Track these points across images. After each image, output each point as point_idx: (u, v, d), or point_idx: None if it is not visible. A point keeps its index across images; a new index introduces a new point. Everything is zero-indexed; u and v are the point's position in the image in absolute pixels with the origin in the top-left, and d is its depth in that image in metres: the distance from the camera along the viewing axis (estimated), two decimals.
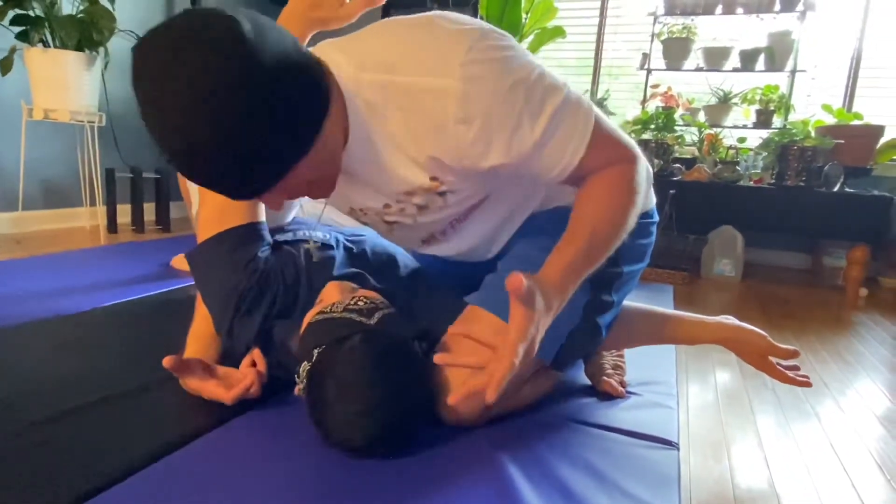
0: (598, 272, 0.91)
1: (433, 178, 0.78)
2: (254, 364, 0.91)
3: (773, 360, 1.01)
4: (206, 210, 0.95)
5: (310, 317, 0.84)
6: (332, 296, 0.87)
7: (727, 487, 0.93)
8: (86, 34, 2.39)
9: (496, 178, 0.82)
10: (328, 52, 0.75)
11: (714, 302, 2.31)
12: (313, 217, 1.17)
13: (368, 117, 0.74)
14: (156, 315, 1.45)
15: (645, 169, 0.84)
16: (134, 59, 0.57)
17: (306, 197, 0.88)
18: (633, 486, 0.79)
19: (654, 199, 1.01)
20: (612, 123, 0.81)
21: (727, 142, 3.11)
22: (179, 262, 1.99)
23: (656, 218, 1.02)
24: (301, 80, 0.62)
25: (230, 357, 0.96)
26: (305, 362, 0.79)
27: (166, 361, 0.81)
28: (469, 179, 0.80)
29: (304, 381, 0.79)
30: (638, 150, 0.83)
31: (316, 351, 0.78)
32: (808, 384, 0.97)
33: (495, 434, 0.89)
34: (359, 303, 0.83)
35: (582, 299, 0.91)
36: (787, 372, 0.99)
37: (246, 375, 0.88)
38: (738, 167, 2.81)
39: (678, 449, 0.91)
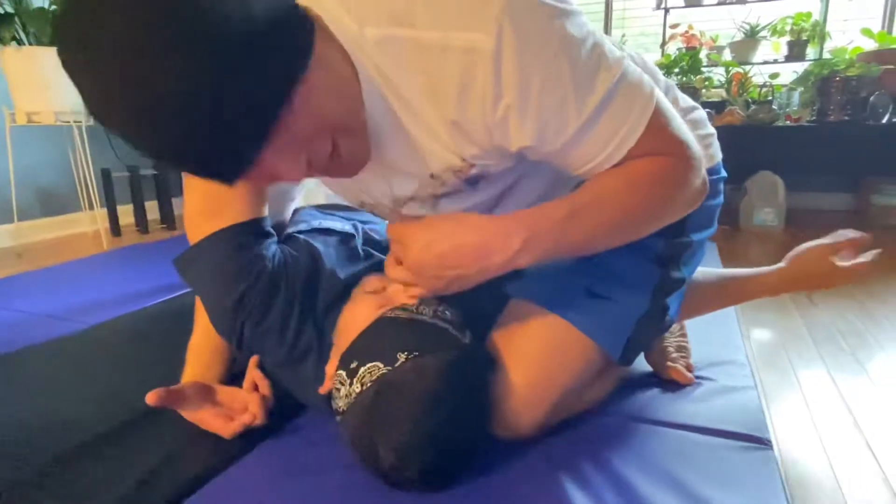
0: (665, 245, 0.77)
1: (464, 159, 0.63)
2: (256, 387, 0.79)
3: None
4: (196, 201, 0.79)
5: (379, 310, 0.70)
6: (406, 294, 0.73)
7: (832, 485, 0.79)
8: None
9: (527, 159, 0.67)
10: (325, 4, 0.59)
11: (758, 255, 2.14)
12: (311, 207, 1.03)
13: (381, 84, 0.58)
14: (166, 324, 1.33)
15: (699, 176, 0.66)
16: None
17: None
18: (729, 501, 0.65)
19: (720, 153, 0.84)
20: (676, 115, 0.63)
21: (757, 80, 2.87)
22: None
23: (724, 174, 0.86)
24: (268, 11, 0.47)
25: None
26: (378, 363, 0.64)
27: (150, 398, 0.68)
28: (502, 158, 0.64)
29: (368, 384, 0.64)
30: (698, 153, 0.65)
31: (403, 355, 0.64)
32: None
33: (553, 447, 0.76)
34: (446, 312, 0.71)
35: (651, 280, 0.76)
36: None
37: (248, 405, 0.77)
38: (773, 106, 2.59)
39: (771, 447, 0.76)
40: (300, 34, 0.50)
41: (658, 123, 0.60)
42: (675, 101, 0.79)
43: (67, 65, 0.45)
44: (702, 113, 0.83)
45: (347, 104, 0.57)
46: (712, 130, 0.83)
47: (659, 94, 0.61)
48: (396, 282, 0.69)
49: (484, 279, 0.64)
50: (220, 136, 0.46)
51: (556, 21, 0.53)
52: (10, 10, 2.17)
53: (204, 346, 0.86)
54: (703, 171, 0.66)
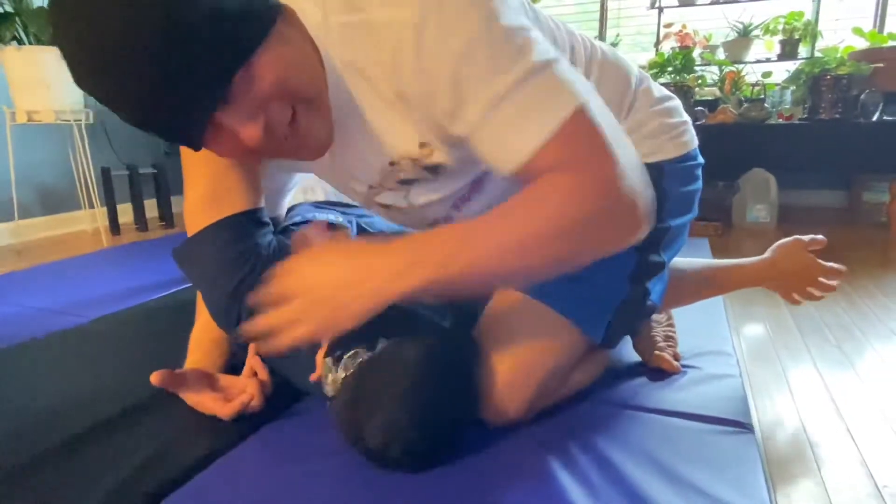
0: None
1: (423, 145, 0.66)
2: (255, 374, 0.82)
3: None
4: (195, 195, 0.81)
5: None
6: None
7: (812, 468, 0.82)
8: None
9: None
10: (299, 1, 0.62)
11: (751, 251, 2.16)
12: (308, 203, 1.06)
13: (345, 72, 0.62)
14: (167, 319, 1.35)
15: (626, 183, 0.56)
16: None
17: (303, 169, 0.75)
18: (711, 483, 0.68)
19: (696, 140, 0.87)
20: (610, 119, 0.58)
21: (750, 78, 2.90)
22: None
23: (701, 160, 0.88)
24: None
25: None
26: (361, 349, 0.69)
27: (154, 378, 0.71)
28: (452, 145, 0.66)
29: (352, 370, 0.68)
30: (630, 173, 0.57)
31: (383, 340, 0.68)
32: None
33: (542, 431, 0.78)
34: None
35: (627, 265, 0.78)
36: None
37: (245, 387, 0.79)
38: (765, 104, 2.62)
39: (753, 432, 0.79)
40: (263, 8, 0.55)
41: (581, 130, 0.55)
42: (647, 91, 0.81)
43: (53, 19, 0.50)
44: (676, 102, 0.85)
45: (308, 75, 0.60)
46: (686, 118, 0.85)
47: (596, 104, 0.57)
48: (278, 326, 0.61)
49: (366, 307, 0.59)
50: (179, 89, 0.51)
51: (484, 4, 0.54)
52: (10, 9, 2.19)
53: (205, 336, 0.88)
54: (634, 195, 0.58)
